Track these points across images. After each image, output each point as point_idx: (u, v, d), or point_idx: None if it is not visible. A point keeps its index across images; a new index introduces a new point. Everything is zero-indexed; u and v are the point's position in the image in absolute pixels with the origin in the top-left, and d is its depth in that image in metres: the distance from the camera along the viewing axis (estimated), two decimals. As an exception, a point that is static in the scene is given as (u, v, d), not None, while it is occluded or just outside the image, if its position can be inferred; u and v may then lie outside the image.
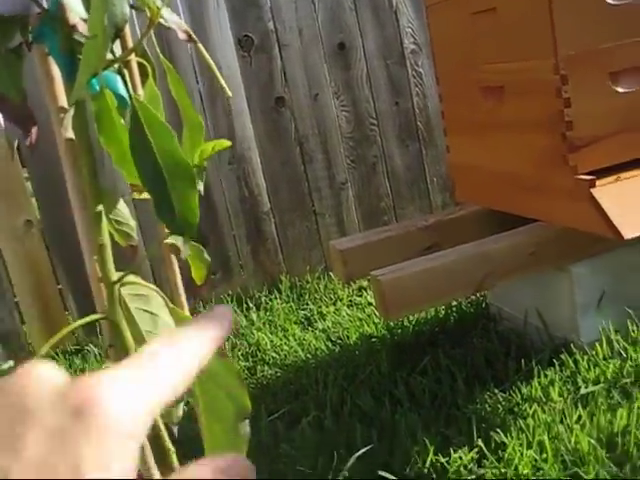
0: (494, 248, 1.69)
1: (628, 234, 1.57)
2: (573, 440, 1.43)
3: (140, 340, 0.65)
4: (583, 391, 1.60)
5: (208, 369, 0.61)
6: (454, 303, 2.25)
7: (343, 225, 2.77)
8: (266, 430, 1.75)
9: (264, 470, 1.58)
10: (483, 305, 2.21)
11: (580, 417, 1.50)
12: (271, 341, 2.30)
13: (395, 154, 2.83)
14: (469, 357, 1.88)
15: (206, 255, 0.64)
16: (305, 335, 2.32)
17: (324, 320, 2.41)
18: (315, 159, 2.75)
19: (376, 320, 2.27)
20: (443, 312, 2.21)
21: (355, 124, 2.79)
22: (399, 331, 2.16)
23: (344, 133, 2.77)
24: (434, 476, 1.43)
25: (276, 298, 2.66)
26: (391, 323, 2.21)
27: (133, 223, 0.64)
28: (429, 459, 1.46)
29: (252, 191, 2.70)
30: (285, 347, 2.24)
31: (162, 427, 0.66)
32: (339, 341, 2.19)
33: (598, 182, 1.62)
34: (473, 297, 2.30)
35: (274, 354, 2.21)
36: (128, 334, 0.59)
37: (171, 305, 0.60)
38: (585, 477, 1.32)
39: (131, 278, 0.58)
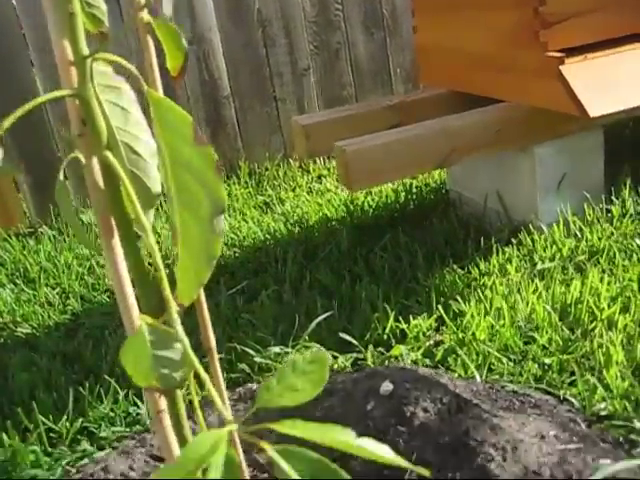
0: (460, 124, 1.67)
1: (594, 112, 1.57)
2: (529, 308, 1.46)
3: (111, 136, 0.61)
4: (539, 267, 1.63)
5: (182, 158, 0.58)
6: (414, 190, 2.25)
7: (304, 112, 2.71)
8: (226, 304, 1.75)
9: (224, 340, 1.58)
10: (443, 191, 2.21)
11: (536, 289, 1.53)
12: (229, 223, 2.28)
13: (359, 41, 2.76)
14: (428, 237, 1.89)
15: (183, 40, 0.60)
16: (264, 218, 2.30)
17: (283, 205, 2.40)
18: (278, 43, 2.66)
19: (336, 204, 2.26)
20: (403, 197, 2.21)
21: (320, 8, 2.69)
22: (359, 214, 2.15)
23: (308, 17, 2.68)
24: (393, 342, 1.45)
25: (235, 184, 2.62)
26: (350, 206, 2.21)
27: (104, 7, 0.60)
28: (389, 325, 1.48)
29: (212, 74, 2.61)
30: (243, 229, 2.22)
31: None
32: (298, 223, 2.18)
33: (567, 60, 1.61)
34: (433, 184, 2.30)
35: (232, 235, 2.19)
36: (100, 115, 0.55)
37: (147, 87, 0.57)
38: (539, 340, 1.35)
39: (105, 55, 0.54)
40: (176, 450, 0.73)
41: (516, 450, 0.93)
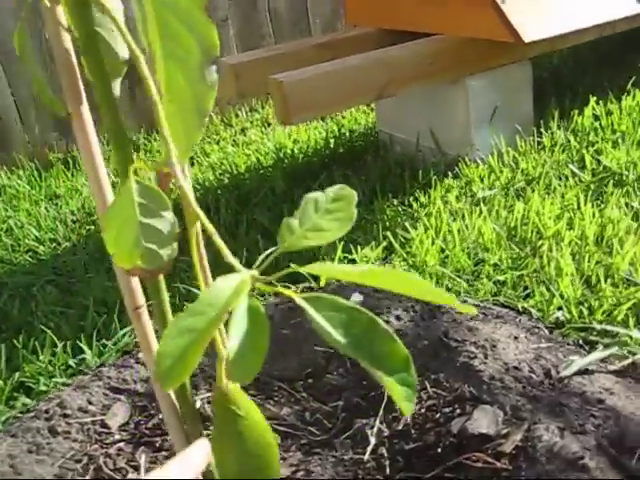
0: (396, 55, 1.64)
1: (528, 37, 1.58)
2: (476, 232, 1.46)
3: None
4: (480, 195, 1.63)
5: (168, -1, 0.52)
6: (342, 135, 2.22)
7: (224, 64, 2.62)
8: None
9: (169, 284, 1.50)
10: (372, 134, 2.19)
11: (481, 213, 1.53)
12: (156, 177, 2.17)
13: (277, -9, 2.69)
14: (364, 175, 1.87)
15: None
16: (191, 170, 2.21)
17: (208, 157, 2.31)
18: (191, -7, 2.55)
19: (264, 152, 2.20)
20: (333, 142, 2.17)
21: (235, -43, 2.61)
22: (289, 161, 2.11)
23: (224, -34, 2.59)
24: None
25: (156, 140, 2.51)
26: (280, 154, 2.16)
27: None
28: (337, 257, 1.45)
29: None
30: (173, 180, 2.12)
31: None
32: (228, 172, 2.11)
33: (498, -12, 1.61)
34: (361, 129, 2.28)
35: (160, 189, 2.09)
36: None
37: None
38: (490, 260, 1.36)
39: None
40: (154, 345, 0.67)
41: (495, 348, 0.92)
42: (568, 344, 1.08)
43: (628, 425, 0.81)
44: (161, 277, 0.65)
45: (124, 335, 1.36)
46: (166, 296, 0.64)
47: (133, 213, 0.51)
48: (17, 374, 1.30)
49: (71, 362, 1.33)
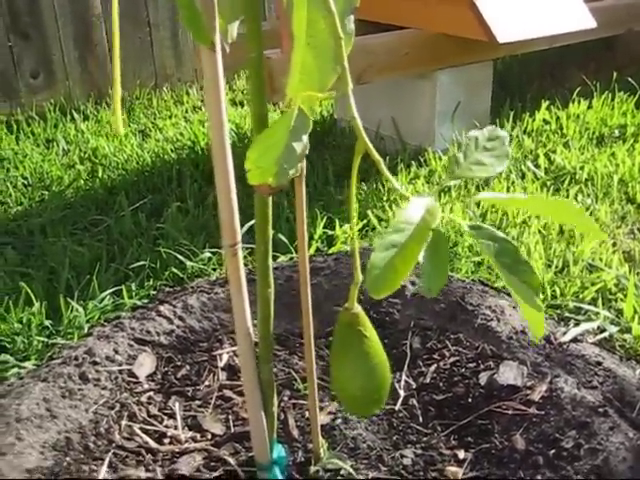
0: (374, 42, 1.70)
1: (502, 38, 1.68)
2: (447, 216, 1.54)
3: None
4: (446, 184, 1.71)
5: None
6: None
7: (177, 39, 2.60)
8: (128, 220, 1.66)
9: (145, 251, 1.50)
10: (329, 121, 2.24)
11: (450, 198, 1.61)
12: (108, 147, 2.14)
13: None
14: (327, 160, 1.91)
15: None
16: (145, 144, 2.19)
17: (162, 132, 2.29)
18: (150, -37, 2.52)
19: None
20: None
21: None
22: (250, 141, 2.12)
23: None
24: (326, 248, 1.47)
25: (105, 110, 2.46)
26: (240, 133, 2.17)
27: None
28: (318, 232, 1.49)
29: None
30: (127, 151, 2.10)
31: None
32: (187, 147, 2.11)
33: (475, -12, 1.70)
34: (318, 116, 2.32)
35: (114, 158, 2.06)
36: None
37: None
38: (464, 243, 1.44)
39: None
40: (245, 289, 0.70)
41: (503, 314, 1.00)
42: (546, 319, 1.17)
43: (623, 384, 0.90)
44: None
45: (103, 298, 1.35)
46: (270, 227, 0.67)
47: (285, 136, 0.54)
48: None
49: (47, 322, 1.31)
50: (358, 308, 0.57)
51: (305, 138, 0.57)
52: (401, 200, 1.63)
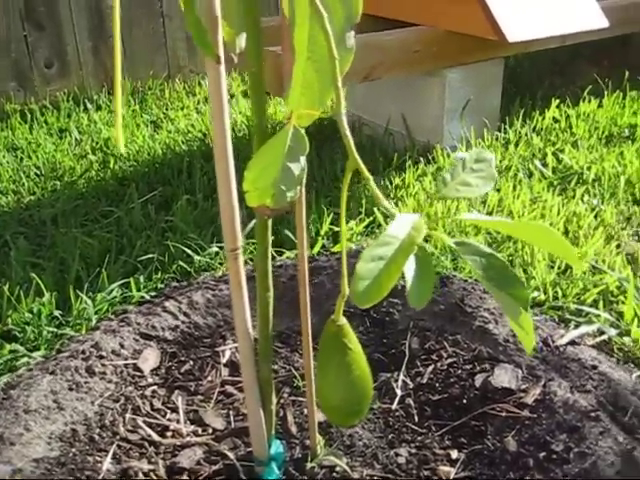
0: (385, 39, 1.71)
1: (512, 38, 1.69)
2: (453, 214, 1.55)
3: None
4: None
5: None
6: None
7: (191, 31, 2.61)
8: (137, 212, 1.68)
9: (154, 243, 1.52)
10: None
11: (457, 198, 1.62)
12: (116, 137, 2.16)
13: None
14: (331, 157, 1.92)
15: None
16: (157, 135, 2.21)
17: (173, 123, 2.32)
18: (164, -45, 2.54)
19: (235, 122, 2.23)
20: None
21: None
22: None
23: None
24: (332, 244, 1.49)
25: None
26: (251, 125, 2.19)
27: None
28: (324, 228, 1.51)
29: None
30: (138, 142, 2.12)
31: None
32: (199, 139, 2.13)
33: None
34: (328, 110, 2.33)
35: (126, 149, 2.09)
36: None
37: None
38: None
39: None
40: (245, 291, 0.72)
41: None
42: (547, 320, 1.19)
43: (618, 389, 0.92)
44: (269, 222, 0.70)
45: (111, 291, 1.37)
46: (269, 241, 0.69)
47: (281, 156, 0.56)
48: (-1, 324, 1.30)
49: (56, 313, 1.34)
50: (343, 320, 0.59)
51: (303, 160, 0.58)
52: (407, 198, 1.65)
